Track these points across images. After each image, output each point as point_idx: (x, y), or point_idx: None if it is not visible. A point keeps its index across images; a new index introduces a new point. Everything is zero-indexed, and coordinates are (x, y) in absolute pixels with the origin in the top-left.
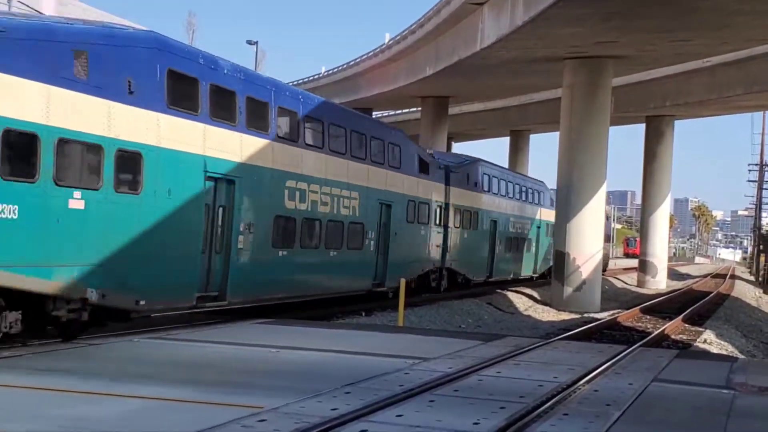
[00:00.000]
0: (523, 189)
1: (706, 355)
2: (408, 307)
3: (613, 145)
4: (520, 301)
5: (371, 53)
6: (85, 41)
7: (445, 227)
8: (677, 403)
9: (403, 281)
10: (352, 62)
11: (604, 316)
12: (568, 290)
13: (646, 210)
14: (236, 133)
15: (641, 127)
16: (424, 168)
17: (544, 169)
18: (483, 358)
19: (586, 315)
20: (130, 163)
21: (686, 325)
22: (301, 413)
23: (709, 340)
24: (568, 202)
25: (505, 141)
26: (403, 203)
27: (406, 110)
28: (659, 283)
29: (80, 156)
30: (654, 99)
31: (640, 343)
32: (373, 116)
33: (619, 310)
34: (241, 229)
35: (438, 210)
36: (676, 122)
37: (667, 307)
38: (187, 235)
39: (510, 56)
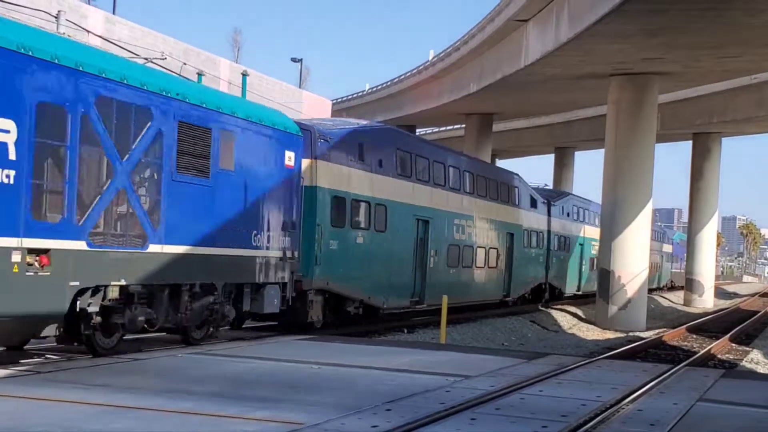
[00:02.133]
0: (598, 215)
1: (752, 374)
2: (450, 324)
3: (659, 162)
4: (564, 319)
5: (415, 70)
6: (361, 138)
7: (548, 250)
8: (722, 423)
9: (445, 299)
10: (396, 79)
11: (650, 335)
12: (613, 309)
13: (692, 228)
14: (428, 188)
15: (688, 144)
16: (533, 203)
17: (591, 186)
18: (525, 377)
19: (631, 334)
20: (380, 211)
21: (733, 345)
22: (342, 430)
23: (756, 360)
24: (613, 219)
25: (550, 157)
26: (520, 232)
27: (450, 127)
28: (706, 302)
29: (358, 209)
30: (701, 116)
31: (686, 362)
32: (417, 133)
33: (664, 329)
34: (432, 254)
35: (543, 236)
36: (724, 139)
37: (713, 326)
38: (407, 259)
39: (554, 73)
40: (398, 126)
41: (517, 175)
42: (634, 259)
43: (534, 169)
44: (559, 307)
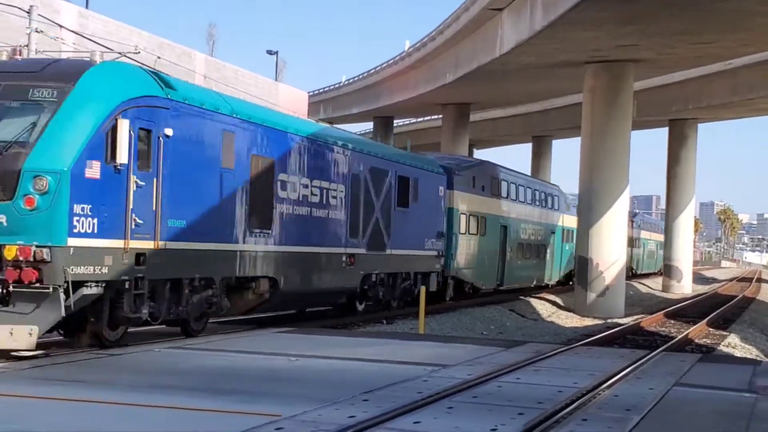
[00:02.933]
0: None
1: (729, 358)
2: (430, 314)
3: (636, 149)
4: (543, 307)
5: (391, 61)
6: (473, 172)
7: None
8: (698, 407)
9: (423, 290)
10: (372, 70)
11: (628, 321)
12: (592, 296)
13: (670, 214)
14: (507, 202)
15: (665, 131)
16: (568, 207)
17: (568, 174)
18: (503, 365)
19: (609, 321)
20: (482, 222)
21: (710, 329)
22: (319, 421)
23: (734, 344)
24: (590, 207)
25: (528, 146)
26: (559, 230)
27: (428, 117)
28: (684, 287)
29: (470, 221)
30: (676, 102)
31: (663, 347)
32: (395, 124)
33: (642, 315)
34: (509, 249)
35: (574, 233)
36: (700, 125)
37: (691, 311)
38: (495, 254)
39: (530, 61)
40: (375, 117)
41: (557, 186)
42: (611, 246)
43: (511, 159)
44: (539, 295)
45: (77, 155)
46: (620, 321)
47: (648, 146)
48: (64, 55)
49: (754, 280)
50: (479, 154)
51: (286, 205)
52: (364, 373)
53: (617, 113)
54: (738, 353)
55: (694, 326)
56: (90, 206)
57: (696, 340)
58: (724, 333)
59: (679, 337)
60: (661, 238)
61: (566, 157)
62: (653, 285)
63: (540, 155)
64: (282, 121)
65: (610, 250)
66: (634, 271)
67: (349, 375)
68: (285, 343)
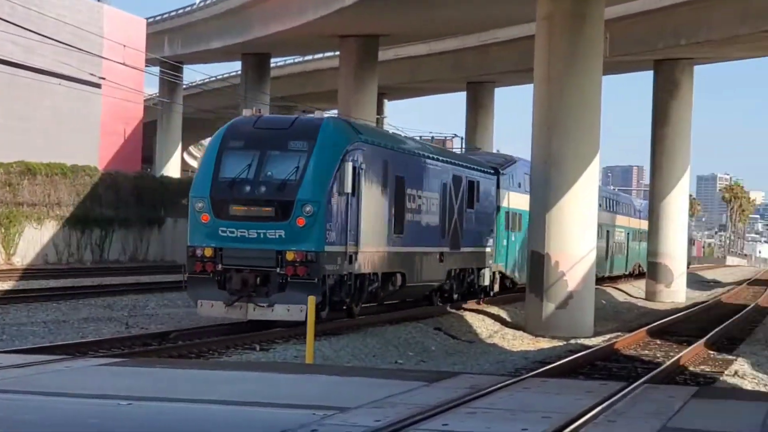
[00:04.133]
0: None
1: (735, 393)
2: (323, 336)
3: (610, 102)
4: (483, 324)
5: None
6: (514, 169)
7: (639, 243)
8: None
9: (312, 299)
10: None
11: (598, 341)
12: (549, 307)
13: (656, 192)
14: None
15: (649, 76)
16: (639, 212)
17: (518, 135)
18: (425, 406)
19: (573, 341)
20: (520, 218)
21: (711, 353)
22: None
23: (742, 373)
24: (547, 182)
25: (462, 96)
26: (633, 232)
27: (320, 55)
28: (676, 294)
29: (512, 218)
30: (664, 36)
31: (645, 378)
32: (272, 65)
33: (618, 334)
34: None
35: (643, 233)
36: (696, 68)
37: (684, 327)
38: (622, 251)
39: None
40: (244, 55)
41: (630, 195)
42: (576, 237)
43: (440, 113)
44: (477, 308)
45: (327, 189)
46: (588, 342)
47: (627, 97)
48: None
49: None
50: (393, 106)
51: (410, 214)
52: (227, 422)
53: (583, 50)
54: (747, 385)
55: (689, 348)
56: (333, 224)
57: (691, 368)
58: (729, 357)
59: (668, 363)
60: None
61: (514, 112)
62: (633, 291)
63: (478, 108)
64: (407, 145)
65: (575, 243)
66: (640, 267)
67: (204, 426)
68: (112, 379)
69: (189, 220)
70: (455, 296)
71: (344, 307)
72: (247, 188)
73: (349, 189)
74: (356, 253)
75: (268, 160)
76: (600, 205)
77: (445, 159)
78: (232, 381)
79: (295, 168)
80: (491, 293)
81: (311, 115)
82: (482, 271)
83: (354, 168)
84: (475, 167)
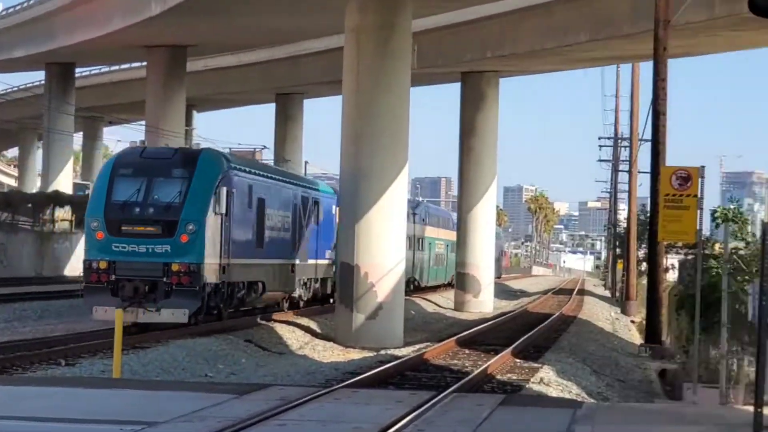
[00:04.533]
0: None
1: (541, 399)
2: (131, 349)
3: (420, 113)
4: (293, 336)
5: None
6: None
7: (457, 254)
8: None
9: (119, 313)
10: None
11: (408, 352)
12: (359, 318)
13: (464, 203)
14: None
15: (457, 88)
16: (452, 224)
17: (328, 147)
18: (235, 419)
19: (383, 352)
20: (420, 242)
21: (517, 361)
22: None
23: (547, 380)
24: (356, 194)
25: (271, 107)
26: (452, 244)
27: (126, 65)
28: (484, 304)
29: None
30: (471, 49)
31: (454, 387)
32: (77, 74)
33: (427, 344)
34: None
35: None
36: (503, 80)
37: (492, 336)
38: (443, 262)
39: None
40: (48, 64)
41: (449, 213)
42: (385, 248)
43: (256, 126)
44: (287, 319)
45: (206, 210)
46: (398, 352)
47: (437, 108)
48: None
49: (574, 292)
50: (203, 117)
51: (268, 230)
52: None
53: (392, 62)
54: (553, 392)
55: (496, 357)
56: (210, 240)
57: (498, 376)
58: (535, 365)
59: (476, 372)
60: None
61: (325, 123)
62: (443, 302)
63: (287, 120)
64: (266, 171)
65: (383, 254)
66: (417, 284)
67: None
68: None
69: (85, 236)
70: (301, 303)
71: (215, 312)
72: (137, 209)
73: (223, 210)
74: (228, 264)
75: (155, 185)
76: (423, 220)
77: (294, 182)
78: (37, 396)
79: (179, 192)
80: (331, 300)
81: (190, 147)
82: (326, 280)
83: (227, 192)
84: (318, 188)
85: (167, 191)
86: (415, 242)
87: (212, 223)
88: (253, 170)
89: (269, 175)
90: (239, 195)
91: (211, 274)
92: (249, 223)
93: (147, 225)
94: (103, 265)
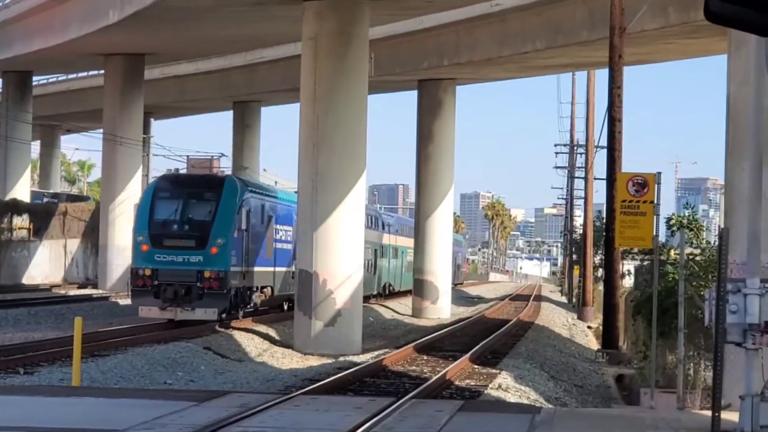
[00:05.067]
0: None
1: (499, 405)
2: (90, 357)
3: (377, 121)
4: (252, 343)
5: None
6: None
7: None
8: None
9: (78, 321)
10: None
11: (366, 358)
12: (318, 325)
13: (422, 210)
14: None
15: (414, 96)
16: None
17: (287, 155)
18: (195, 426)
19: (341, 359)
20: (395, 251)
21: (476, 367)
22: None
23: (506, 386)
24: (314, 200)
25: (228, 115)
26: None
27: (84, 74)
28: (441, 310)
29: (391, 252)
30: (428, 57)
31: (413, 393)
32: (35, 82)
33: (386, 350)
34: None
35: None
36: (459, 87)
37: (450, 343)
38: (406, 268)
39: None
40: (5, 72)
41: (410, 220)
42: (343, 255)
43: (208, 133)
44: (246, 327)
45: (231, 227)
46: (356, 359)
47: (394, 115)
48: None
49: (531, 298)
50: (160, 125)
51: (275, 243)
52: None
53: (348, 70)
54: (511, 397)
55: (454, 363)
56: (234, 251)
57: (456, 382)
58: (493, 371)
59: (435, 378)
60: None
61: (282, 131)
62: (401, 308)
63: (244, 128)
64: (273, 192)
65: (341, 261)
66: (392, 288)
67: None
68: None
69: (132, 248)
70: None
71: (233, 312)
72: (175, 226)
73: (244, 227)
74: (248, 272)
75: (189, 206)
76: (397, 230)
77: (291, 199)
78: None
79: (209, 212)
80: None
81: (216, 174)
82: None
83: (247, 211)
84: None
85: (199, 211)
86: (390, 251)
87: (236, 238)
88: (263, 192)
89: (274, 194)
90: (254, 214)
91: (234, 279)
92: (262, 237)
93: (184, 239)
94: (147, 272)
